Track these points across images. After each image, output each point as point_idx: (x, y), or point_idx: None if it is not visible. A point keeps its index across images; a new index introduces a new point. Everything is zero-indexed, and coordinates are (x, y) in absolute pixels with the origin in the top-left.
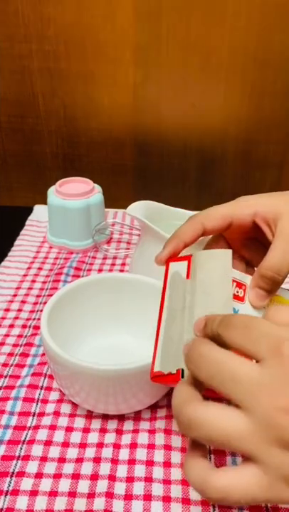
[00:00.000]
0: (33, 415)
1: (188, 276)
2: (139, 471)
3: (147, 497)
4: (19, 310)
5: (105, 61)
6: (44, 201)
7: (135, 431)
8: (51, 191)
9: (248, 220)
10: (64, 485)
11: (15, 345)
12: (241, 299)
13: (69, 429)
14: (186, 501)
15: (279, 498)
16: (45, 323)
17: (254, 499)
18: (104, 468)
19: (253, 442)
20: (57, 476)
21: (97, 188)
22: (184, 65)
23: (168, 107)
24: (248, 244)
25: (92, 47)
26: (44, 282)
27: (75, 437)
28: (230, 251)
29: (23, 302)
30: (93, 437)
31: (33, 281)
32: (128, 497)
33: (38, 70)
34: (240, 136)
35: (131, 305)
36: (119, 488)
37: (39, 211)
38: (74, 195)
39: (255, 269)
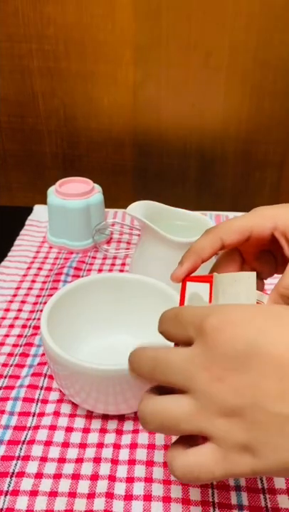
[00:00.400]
0: (33, 415)
1: (210, 300)
2: (139, 471)
3: (147, 497)
4: (19, 310)
5: (105, 61)
6: (44, 201)
7: (135, 431)
8: (51, 191)
9: (267, 233)
10: (64, 485)
11: (15, 345)
12: None
13: (69, 430)
14: (186, 501)
15: (236, 469)
16: (45, 323)
17: (212, 474)
18: (105, 469)
19: (201, 419)
20: (57, 477)
21: (97, 188)
22: (184, 65)
23: (168, 107)
24: (261, 256)
25: (92, 47)
26: (44, 282)
27: (75, 437)
28: (254, 274)
29: (23, 302)
30: (93, 437)
31: (33, 281)
32: (128, 497)
33: (38, 69)
34: (240, 136)
35: (131, 305)
36: (119, 488)
37: (39, 211)
38: (74, 195)
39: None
